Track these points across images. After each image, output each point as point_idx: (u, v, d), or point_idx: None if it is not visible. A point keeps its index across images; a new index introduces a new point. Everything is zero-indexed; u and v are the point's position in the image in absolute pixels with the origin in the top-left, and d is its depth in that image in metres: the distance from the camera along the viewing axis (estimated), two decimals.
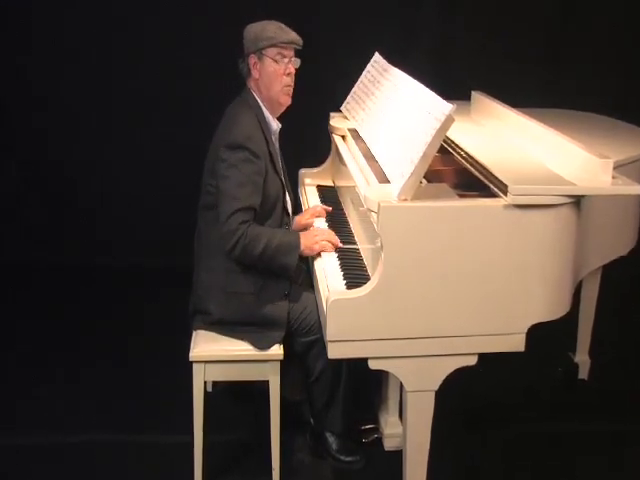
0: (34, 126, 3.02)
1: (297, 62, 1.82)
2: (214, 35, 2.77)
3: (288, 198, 1.90)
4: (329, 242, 1.79)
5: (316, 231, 1.84)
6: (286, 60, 1.79)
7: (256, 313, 1.77)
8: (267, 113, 1.83)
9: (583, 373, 2.38)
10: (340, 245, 1.80)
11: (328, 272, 1.70)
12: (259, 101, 1.82)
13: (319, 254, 1.79)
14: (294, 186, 2.22)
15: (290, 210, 1.91)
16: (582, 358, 2.38)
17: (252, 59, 1.79)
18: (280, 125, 1.88)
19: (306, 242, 1.78)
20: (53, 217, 3.11)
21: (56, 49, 2.93)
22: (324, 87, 2.77)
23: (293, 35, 1.80)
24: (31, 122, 3.02)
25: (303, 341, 1.82)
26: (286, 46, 1.78)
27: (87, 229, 3.10)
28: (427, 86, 1.65)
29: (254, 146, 1.72)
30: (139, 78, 2.96)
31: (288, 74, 1.80)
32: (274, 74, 1.78)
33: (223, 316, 1.79)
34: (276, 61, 1.78)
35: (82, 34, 2.93)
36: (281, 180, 1.82)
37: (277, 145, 1.89)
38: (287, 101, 1.84)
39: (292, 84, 1.82)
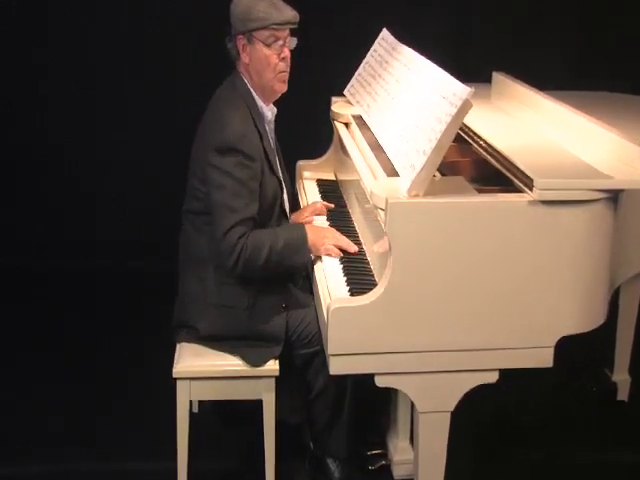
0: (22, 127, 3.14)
1: (293, 42, 1.77)
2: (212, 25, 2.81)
3: (286, 197, 1.88)
4: (338, 247, 1.76)
5: (327, 232, 1.81)
6: (280, 43, 1.72)
7: (249, 329, 1.76)
8: (260, 102, 1.80)
9: (622, 394, 2.35)
10: (353, 249, 1.76)
11: (330, 277, 1.70)
12: (250, 88, 1.78)
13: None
14: (292, 180, 2.22)
15: (288, 210, 1.90)
16: (621, 376, 2.36)
17: (241, 41, 1.74)
18: (275, 110, 1.85)
19: (314, 238, 1.75)
20: (31, 218, 3.18)
21: (46, 48, 3.04)
22: (325, 68, 2.78)
23: (288, 13, 1.72)
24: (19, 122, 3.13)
25: (302, 354, 1.82)
26: (280, 27, 1.71)
27: (69, 231, 3.17)
28: (442, 67, 1.63)
29: (247, 147, 1.69)
30: (127, 76, 3.05)
31: (283, 58, 1.74)
32: (266, 60, 1.73)
33: (211, 332, 1.79)
34: (268, 45, 1.72)
35: (74, 33, 3.03)
36: (278, 178, 1.80)
37: (272, 135, 1.87)
38: (282, 88, 1.80)
39: (288, 69, 1.77)
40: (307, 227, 1.78)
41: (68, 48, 3.03)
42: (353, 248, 1.78)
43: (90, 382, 2.37)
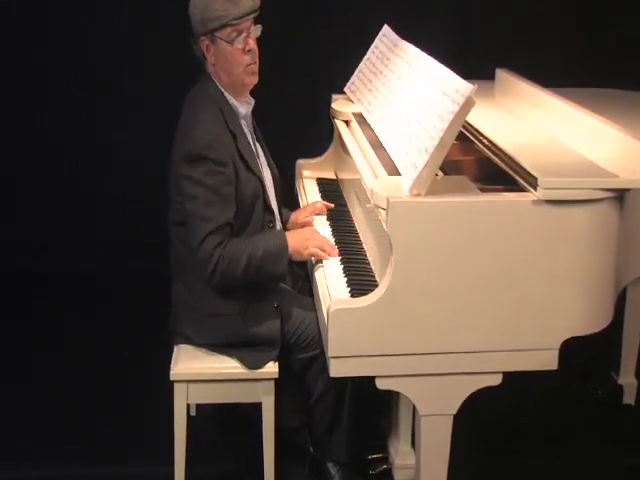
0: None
1: (258, 31, 1.71)
2: None
3: (271, 192, 1.84)
4: (322, 249, 1.73)
5: (308, 233, 1.78)
6: (243, 36, 1.67)
7: (244, 334, 1.74)
8: (232, 99, 1.75)
9: (629, 397, 2.31)
10: (335, 253, 1.74)
11: (330, 277, 1.68)
12: (221, 88, 1.74)
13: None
14: (290, 178, 2.21)
15: (275, 205, 1.85)
16: (627, 379, 2.32)
17: (204, 42, 1.69)
18: (253, 102, 1.81)
19: (295, 244, 1.72)
20: (31, 218, 3.18)
21: (46, 48, 3.04)
22: (325, 65, 2.75)
23: (245, 4, 1.66)
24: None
25: (301, 357, 1.79)
26: (240, 21, 1.65)
27: (61, 232, 3.16)
28: (444, 63, 1.62)
29: (216, 153, 1.64)
30: (127, 76, 3.05)
31: (249, 51, 1.69)
32: (232, 57, 1.69)
33: (207, 342, 1.77)
34: (231, 42, 1.67)
35: (74, 33, 3.03)
36: (257, 176, 1.76)
37: (250, 130, 1.82)
38: (253, 81, 1.76)
39: (256, 60, 1.73)
40: (288, 234, 1.74)
41: (68, 48, 3.03)
42: (335, 252, 1.75)
43: (90, 382, 2.36)
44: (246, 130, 1.79)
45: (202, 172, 1.64)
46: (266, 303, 1.74)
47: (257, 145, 1.85)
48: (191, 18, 1.70)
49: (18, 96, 3.08)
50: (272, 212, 1.82)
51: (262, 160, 1.85)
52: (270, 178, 1.86)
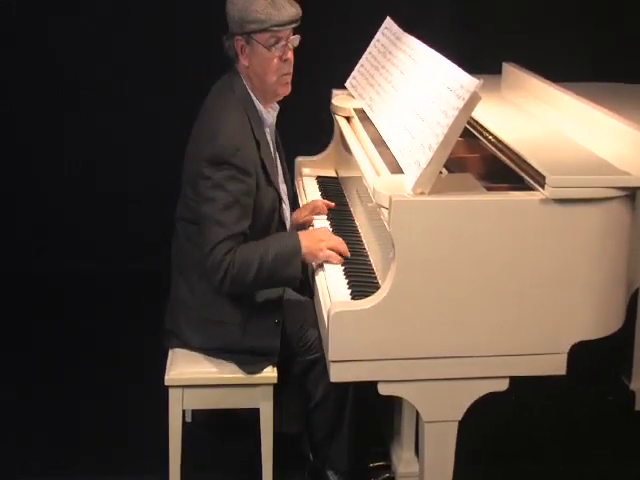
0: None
1: (296, 41, 1.67)
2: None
3: (286, 208, 1.80)
4: (336, 252, 1.67)
5: (322, 234, 1.71)
6: (282, 43, 1.63)
7: (243, 344, 1.70)
8: (260, 106, 1.71)
9: None
10: (348, 255, 1.69)
11: (330, 279, 1.64)
12: (250, 92, 1.69)
13: None
14: (292, 181, 2.17)
15: (288, 221, 1.81)
16: (639, 385, 2.28)
17: (239, 42, 1.64)
18: (277, 108, 1.76)
19: (309, 245, 1.65)
20: (31, 218, 3.17)
21: (46, 48, 3.03)
22: (325, 59, 2.76)
23: (289, 11, 1.61)
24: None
25: (301, 360, 1.75)
26: (280, 29, 1.61)
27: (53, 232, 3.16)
28: (448, 57, 1.59)
29: (242, 161, 1.60)
30: (126, 76, 3.05)
31: (285, 60, 1.65)
32: (268, 63, 1.64)
33: (203, 346, 1.73)
34: (269, 47, 1.62)
35: (74, 33, 3.03)
36: (276, 189, 1.72)
37: (272, 139, 1.78)
38: (286, 91, 1.71)
39: (290, 70, 1.68)
40: (300, 235, 1.68)
41: (68, 48, 3.02)
42: (347, 251, 1.70)
43: (89, 383, 2.34)
44: (269, 139, 1.75)
45: (224, 176, 1.59)
46: (268, 318, 1.70)
47: (277, 155, 1.81)
48: (228, 16, 1.65)
49: (18, 96, 3.08)
50: (285, 227, 1.78)
51: (279, 171, 1.81)
52: (285, 192, 1.82)
